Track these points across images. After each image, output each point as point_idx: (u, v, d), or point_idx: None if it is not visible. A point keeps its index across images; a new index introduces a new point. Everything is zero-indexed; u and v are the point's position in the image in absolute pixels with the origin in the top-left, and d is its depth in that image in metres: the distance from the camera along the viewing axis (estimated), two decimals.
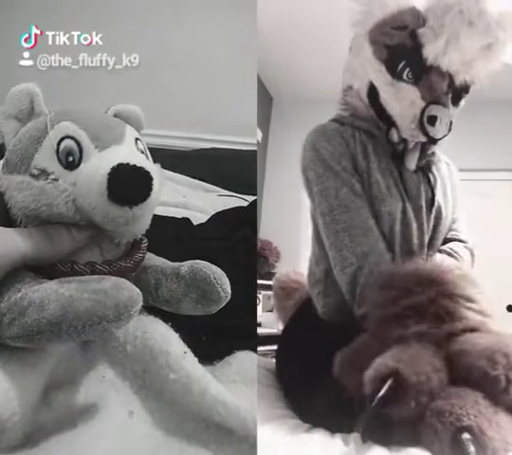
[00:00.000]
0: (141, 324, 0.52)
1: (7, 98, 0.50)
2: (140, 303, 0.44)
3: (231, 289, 0.56)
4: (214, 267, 0.55)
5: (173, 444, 0.48)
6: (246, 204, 1.19)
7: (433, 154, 0.86)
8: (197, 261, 0.56)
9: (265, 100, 3.00)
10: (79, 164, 0.47)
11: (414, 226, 0.80)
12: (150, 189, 0.46)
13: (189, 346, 0.53)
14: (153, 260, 0.59)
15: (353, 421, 0.61)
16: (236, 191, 1.48)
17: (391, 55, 0.76)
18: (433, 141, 0.77)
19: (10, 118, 0.50)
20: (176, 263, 0.57)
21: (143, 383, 0.50)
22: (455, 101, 0.79)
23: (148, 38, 2.07)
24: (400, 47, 0.75)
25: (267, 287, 2.31)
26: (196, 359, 0.52)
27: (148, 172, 0.46)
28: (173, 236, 0.87)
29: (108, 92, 1.90)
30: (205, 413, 0.48)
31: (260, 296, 2.17)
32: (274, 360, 0.90)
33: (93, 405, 0.48)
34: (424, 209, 0.81)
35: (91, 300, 0.41)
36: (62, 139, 0.47)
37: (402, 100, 0.76)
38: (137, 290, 0.44)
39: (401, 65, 0.75)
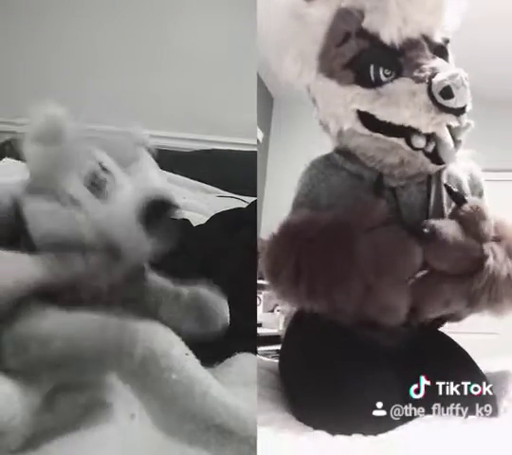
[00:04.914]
0: (143, 327, 0.52)
1: (34, 119, 0.50)
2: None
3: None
4: (214, 295, 0.56)
5: (173, 445, 0.48)
6: (245, 205, 1.19)
7: (460, 142, 0.69)
8: (198, 288, 0.57)
9: (266, 100, 3.00)
10: (107, 190, 0.49)
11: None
12: (172, 210, 0.50)
13: (189, 348, 0.53)
14: (153, 281, 0.58)
15: (353, 422, 0.63)
16: (236, 193, 1.48)
17: (355, 70, 0.65)
18: (461, 111, 0.62)
19: (35, 142, 0.50)
20: (177, 284, 0.58)
21: (144, 385, 0.50)
22: (444, 57, 0.67)
23: (148, 38, 2.07)
24: (358, 56, 0.64)
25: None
26: (198, 361, 0.52)
27: (172, 202, 0.50)
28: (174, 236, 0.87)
29: (109, 93, 1.92)
30: (206, 415, 0.48)
31: (260, 296, 2.17)
32: (274, 360, 0.90)
33: (95, 407, 0.48)
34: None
35: (93, 346, 0.42)
36: (90, 166, 0.49)
37: (400, 100, 0.62)
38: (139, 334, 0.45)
39: (372, 72, 0.64)
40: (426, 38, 0.64)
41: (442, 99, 0.60)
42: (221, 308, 0.56)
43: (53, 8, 2.01)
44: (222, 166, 1.67)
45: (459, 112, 0.62)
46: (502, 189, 2.69)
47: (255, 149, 1.85)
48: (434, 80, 0.60)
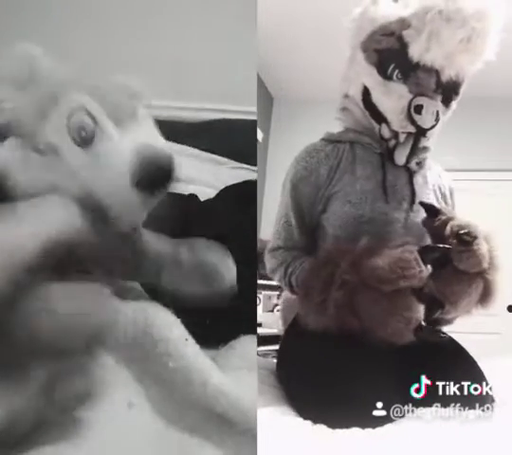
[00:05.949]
0: (141, 309, 0.51)
1: (5, 59, 0.44)
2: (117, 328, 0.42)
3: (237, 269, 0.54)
4: (217, 255, 0.53)
5: (173, 435, 0.47)
6: (255, 176, 1.16)
7: (425, 149, 0.88)
8: (197, 242, 0.54)
9: (266, 100, 3.00)
10: (92, 140, 0.42)
11: (398, 225, 0.84)
12: (172, 175, 0.44)
13: (193, 329, 0.52)
14: (151, 243, 0.55)
15: (352, 416, 0.64)
16: (243, 162, 1.44)
17: (381, 58, 0.84)
18: (422, 132, 0.82)
19: (5, 84, 0.44)
20: (175, 245, 0.54)
21: (143, 369, 0.48)
22: (446, 102, 0.84)
23: (148, 37, 2.07)
24: (388, 50, 0.83)
25: (267, 287, 2.31)
26: (198, 346, 0.50)
27: (171, 156, 0.43)
28: (180, 213, 0.84)
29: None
30: (206, 404, 0.47)
31: (260, 296, 2.17)
32: (274, 360, 0.90)
33: (93, 394, 0.46)
34: (405, 208, 0.85)
35: (57, 329, 0.39)
36: (73, 112, 0.42)
37: (391, 96, 0.83)
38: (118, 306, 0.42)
39: (391, 68, 0.83)
40: (437, 72, 0.81)
41: (413, 111, 0.81)
42: (226, 267, 0.53)
43: None
44: (231, 136, 1.59)
45: (420, 130, 0.82)
46: (502, 188, 2.69)
47: (255, 117, 1.80)
48: (418, 97, 0.81)
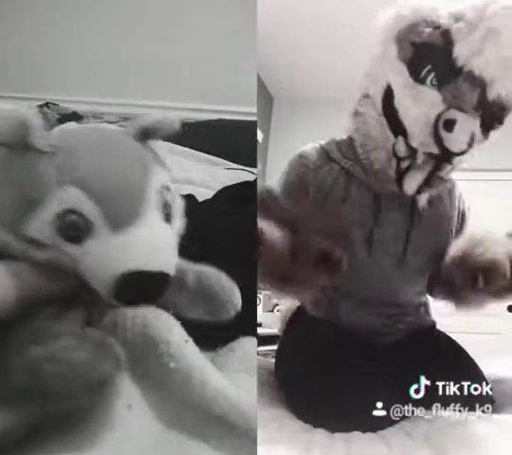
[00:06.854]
0: (141, 311, 0.50)
1: None
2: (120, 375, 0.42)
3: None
4: (223, 280, 0.53)
5: (172, 437, 0.47)
6: (253, 177, 1.14)
7: (442, 180, 0.72)
8: (204, 270, 0.54)
9: (266, 100, 3.00)
10: (83, 239, 0.41)
11: (382, 268, 0.75)
12: (161, 292, 0.43)
13: (192, 331, 0.51)
14: None
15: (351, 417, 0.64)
16: (240, 164, 1.44)
17: (416, 55, 0.65)
18: (447, 156, 0.64)
19: None
20: (181, 267, 0.54)
21: (143, 372, 0.48)
22: (485, 128, 0.66)
23: (148, 38, 2.07)
24: (428, 46, 0.64)
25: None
26: (198, 349, 0.50)
27: (161, 276, 0.42)
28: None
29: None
30: (205, 405, 0.47)
31: (260, 296, 2.17)
32: (274, 361, 0.90)
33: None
34: (395, 256, 0.75)
35: (60, 375, 0.39)
36: (64, 213, 0.40)
37: (420, 103, 0.64)
38: (121, 358, 0.42)
39: (426, 69, 0.64)
40: (483, 85, 0.62)
41: (442, 126, 0.62)
42: (232, 294, 0.53)
43: None
44: (228, 137, 1.59)
45: (445, 153, 0.63)
46: (500, 188, 2.69)
47: (255, 118, 1.79)
48: (453, 111, 0.62)
